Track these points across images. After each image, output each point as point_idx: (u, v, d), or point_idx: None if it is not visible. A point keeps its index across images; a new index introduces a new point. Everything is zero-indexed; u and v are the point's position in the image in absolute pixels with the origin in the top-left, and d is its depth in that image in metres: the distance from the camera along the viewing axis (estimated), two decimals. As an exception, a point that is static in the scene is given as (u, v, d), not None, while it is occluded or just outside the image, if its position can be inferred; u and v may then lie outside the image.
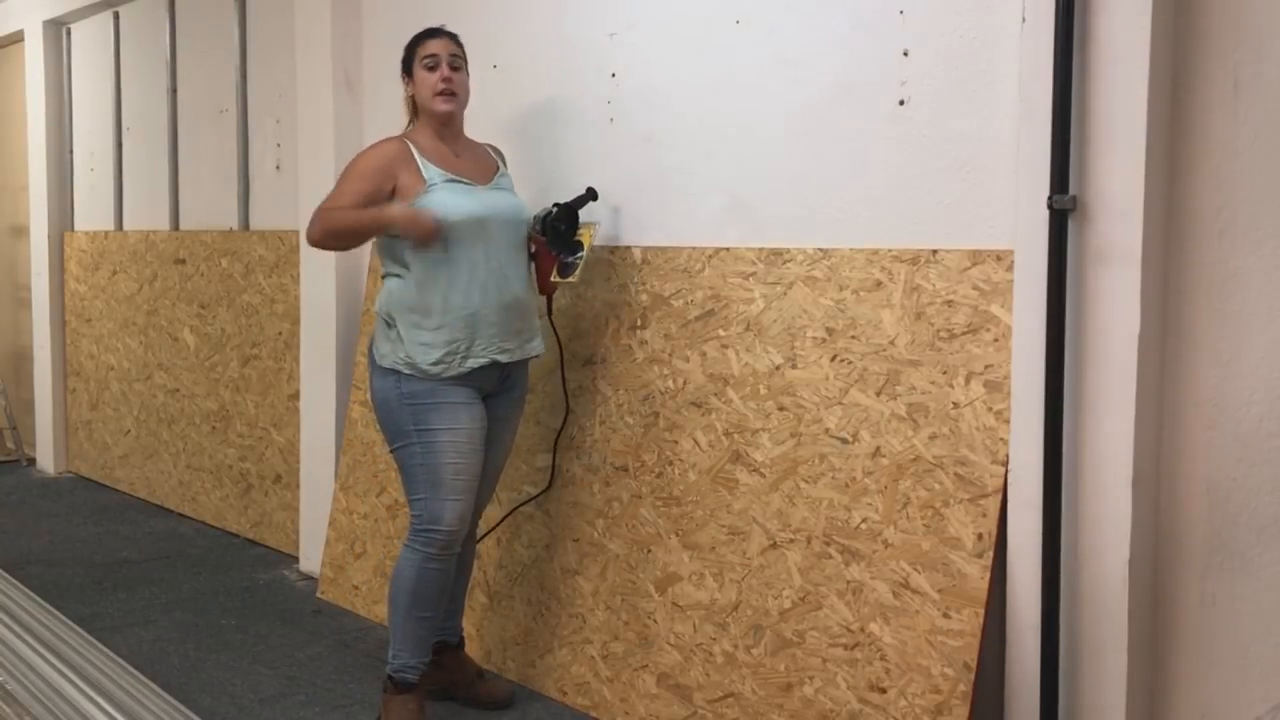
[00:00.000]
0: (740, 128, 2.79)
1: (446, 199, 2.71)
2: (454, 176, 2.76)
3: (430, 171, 2.74)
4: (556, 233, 2.90)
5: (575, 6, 3.19)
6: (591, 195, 3.00)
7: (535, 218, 2.91)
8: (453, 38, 2.87)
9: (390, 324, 2.75)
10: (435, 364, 2.70)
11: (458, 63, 2.84)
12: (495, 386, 2.84)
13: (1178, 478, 2.14)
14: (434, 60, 2.80)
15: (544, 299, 3.02)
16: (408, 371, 2.71)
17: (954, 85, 2.39)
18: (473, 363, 2.73)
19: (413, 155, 2.76)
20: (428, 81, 2.80)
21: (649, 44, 3.00)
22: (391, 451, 2.80)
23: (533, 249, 2.93)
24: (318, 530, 3.99)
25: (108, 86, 5.56)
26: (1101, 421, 2.11)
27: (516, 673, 3.15)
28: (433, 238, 2.64)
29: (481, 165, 2.88)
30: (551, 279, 2.93)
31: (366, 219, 2.68)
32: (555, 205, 2.91)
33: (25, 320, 6.28)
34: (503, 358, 2.78)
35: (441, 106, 2.80)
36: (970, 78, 2.36)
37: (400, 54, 2.90)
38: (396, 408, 2.73)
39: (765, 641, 2.59)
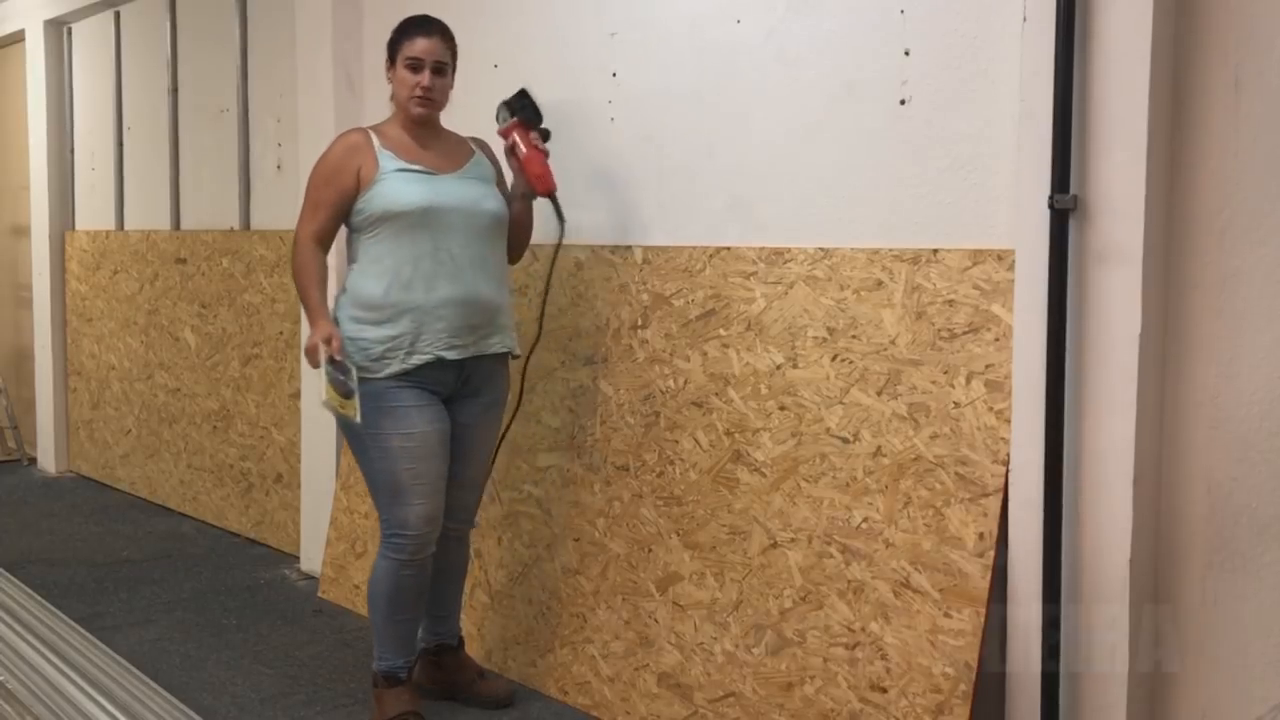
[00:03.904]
0: (740, 128, 2.79)
1: (388, 189, 2.65)
2: (408, 165, 2.69)
3: (385, 161, 2.68)
4: (524, 105, 2.82)
5: (575, 6, 3.19)
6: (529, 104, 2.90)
7: (500, 107, 2.86)
8: (443, 35, 2.77)
9: (338, 323, 2.69)
10: (377, 360, 2.63)
11: (442, 67, 2.74)
12: (453, 389, 2.75)
13: (1178, 477, 2.14)
14: (417, 63, 2.72)
15: (536, 214, 2.91)
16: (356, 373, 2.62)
17: (955, 85, 2.39)
18: (418, 359, 2.65)
19: (371, 145, 2.70)
20: (407, 82, 2.72)
21: (649, 44, 3.00)
22: (354, 456, 2.77)
23: (513, 145, 2.83)
24: (319, 530, 3.99)
25: (108, 86, 5.56)
26: (1102, 421, 2.11)
27: (517, 672, 3.15)
28: (310, 354, 2.59)
29: (450, 155, 2.80)
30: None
31: (307, 303, 2.69)
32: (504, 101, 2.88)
33: (26, 320, 6.29)
34: (451, 355, 2.68)
35: (415, 110, 2.74)
36: (971, 77, 2.36)
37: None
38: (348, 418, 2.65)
39: (766, 641, 2.59)
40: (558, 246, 2.95)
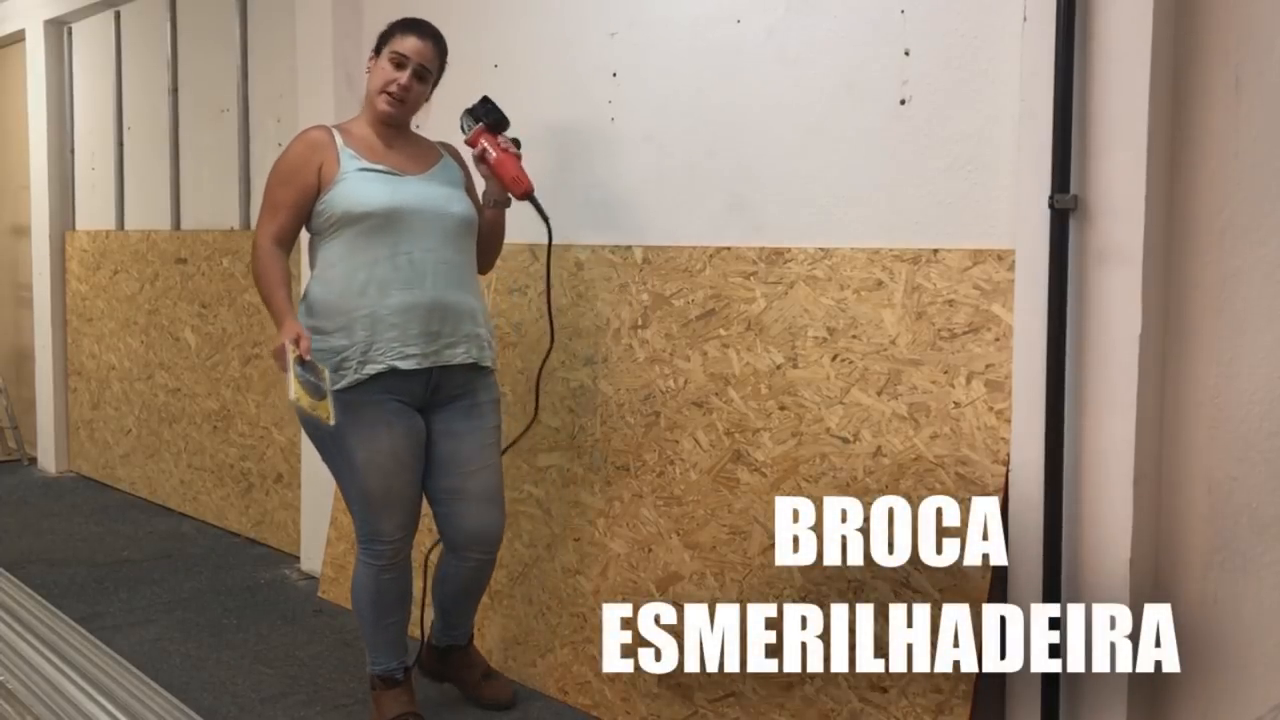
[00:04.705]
0: (741, 127, 2.79)
1: (349, 189, 2.56)
2: (370, 165, 2.60)
3: (346, 160, 2.59)
4: (489, 110, 2.76)
5: (575, 6, 3.19)
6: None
7: (463, 116, 2.80)
8: (436, 42, 2.69)
9: None
10: (333, 372, 2.51)
11: (424, 72, 2.65)
12: (424, 399, 2.64)
13: (1179, 477, 2.14)
14: (402, 60, 2.62)
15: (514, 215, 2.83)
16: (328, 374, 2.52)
17: (955, 84, 2.39)
18: (371, 369, 2.53)
19: (334, 142, 2.62)
20: (384, 75, 2.62)
21: (649, 44, 3.00)
22: (325, 463, 2.73)
23: (483, 151, 2.75)
24: (319, 529, 3.99)
25: (109, 86, 5.56)
26: (1102, 421, 2.11)
27: (518, 672, 3.15)
28: (278, 356, 2.46)
29: (417, 158, 2.70)
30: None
31: (272, 305, 2.54)
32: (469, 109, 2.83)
33: (26, 320, 6.29)
34: (405, 365, 2.55)
35: (382, 106, 2.64)
36: (971, 77, 2.36)
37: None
38: (315, 425, 2.56)
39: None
40: (549, 247, 2.91)
